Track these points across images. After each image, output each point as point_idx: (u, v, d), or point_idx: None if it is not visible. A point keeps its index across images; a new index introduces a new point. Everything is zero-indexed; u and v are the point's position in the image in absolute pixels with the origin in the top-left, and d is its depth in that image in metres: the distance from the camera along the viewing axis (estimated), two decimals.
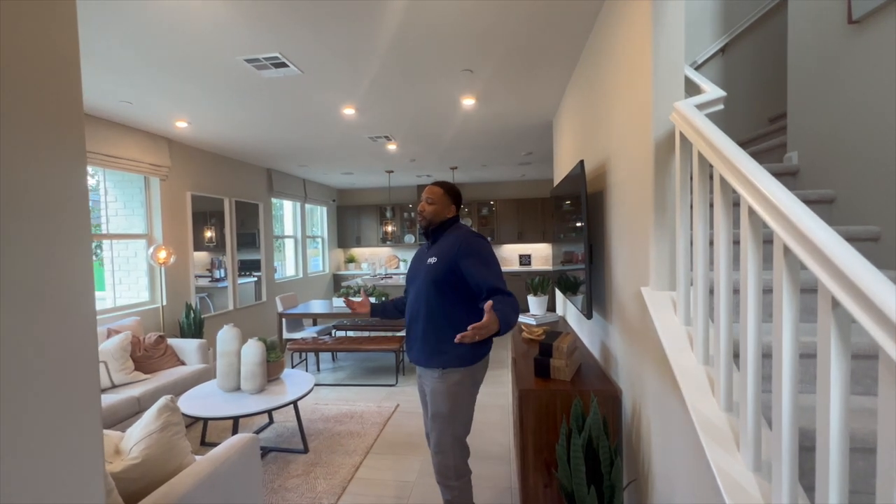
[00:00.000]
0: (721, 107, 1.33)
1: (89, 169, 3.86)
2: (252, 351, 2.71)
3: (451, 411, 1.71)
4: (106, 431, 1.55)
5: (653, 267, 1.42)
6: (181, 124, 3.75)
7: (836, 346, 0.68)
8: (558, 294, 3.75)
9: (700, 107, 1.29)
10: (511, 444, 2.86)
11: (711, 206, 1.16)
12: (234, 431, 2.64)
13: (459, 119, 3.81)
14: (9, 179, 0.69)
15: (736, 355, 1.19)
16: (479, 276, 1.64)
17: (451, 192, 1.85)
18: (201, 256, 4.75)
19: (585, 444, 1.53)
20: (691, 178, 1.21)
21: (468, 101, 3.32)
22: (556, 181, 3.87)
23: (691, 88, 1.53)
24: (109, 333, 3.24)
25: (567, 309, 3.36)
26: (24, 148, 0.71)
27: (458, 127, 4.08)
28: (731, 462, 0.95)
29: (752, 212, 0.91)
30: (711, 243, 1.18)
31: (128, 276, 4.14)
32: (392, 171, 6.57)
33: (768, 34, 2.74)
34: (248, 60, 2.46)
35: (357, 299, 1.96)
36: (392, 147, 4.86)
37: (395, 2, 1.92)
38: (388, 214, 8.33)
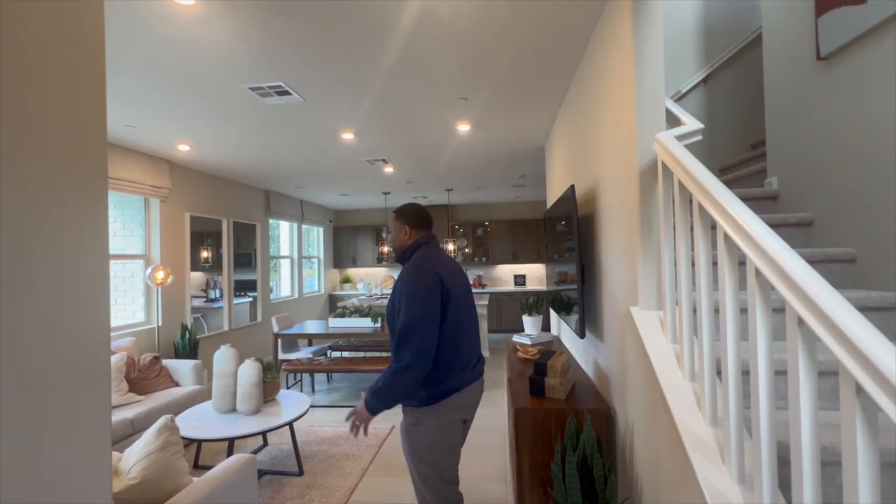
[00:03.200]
0: (700, 138, 1.42)
1: None
2: (248, 372, 2.72)
3: (410, 450, 1.58)
4: None
5: (641, 287, 1.49)
6: (183, 147, 3.83)
7: (804, 361, 0.74)
8: (553, 314, 3.80)
9: (680, 138, 1.38)
10: (507, 464, 2.85)
11: (693, 229, 1.24)
12: (230, 454, 2.62)
13: (455, 144, 3.93)
14: (37, 195, 0.75)
15: (719, 372, 1.24)
16: (400, 317, 1.50)
17: (403, 214, 1.70)
18: (197, 277, 4.77)
19: (580, 463, 1.55)
20: (673, 204, 1.29)
21: (463, 127, 3.44)
22: (549, 203, 3.97)
23: (673, 120, 1.63)
24: None
25: (561, 328, 3.40)
26: (52, 171, 0.77)
27: (454, 151, 4.20)
28: (717, 475, 0.99)
29: (727, 237, 0.98)
30: (694, 265, 1.25)
31: (124, 296, 4.14)
32: (389, 193, 6.68)
33: (747, 65, 2.91)
34: (253, 89, 2.56)
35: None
36: (389, 170, 4.97)
37: (393, 35, 2.03)
38: (385, 235, 8.40)
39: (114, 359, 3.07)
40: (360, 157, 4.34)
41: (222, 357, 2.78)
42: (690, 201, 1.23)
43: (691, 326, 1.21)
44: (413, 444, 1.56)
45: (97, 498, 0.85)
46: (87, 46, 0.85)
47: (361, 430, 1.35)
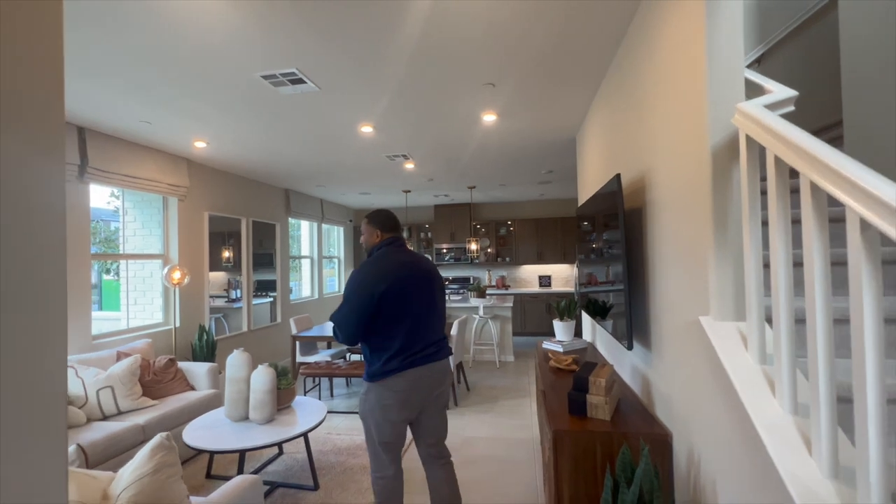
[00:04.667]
0: (791, 108, 1.16)
1: (112, 189, 3.87)
2: (261, 378, 2.57)
3: (361, 414, 1.89)
4: (96, 472, 1.40)
5: (713, 293, 1.23)
6: (200, 144, 3.74)
7: None
8: (584, 318, 3.53)
9: (768, 108, 1.12)
10: (539, 486, 2.60)
11: (794, 221, 0.98)
12: (240, 464, 2.48)
13: (479, 136, 3.71)
14: None
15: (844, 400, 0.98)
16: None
17: (372, 218, 1.98)
18: (218, 276, 4.70)
19: (636, 501, 1.31)
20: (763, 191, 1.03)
21: (489, 118, 3.22)
22: (582, 199, 3.69)
23: (750, 90, 1.36)
24: (119, 356, 3.15)
25: (596, 334, 3.13)
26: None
27: (478, 145, 3.98)
28: None
29: (865, 226, 0.72)
30: (802, 264, 0.99)
31: (143, 296, 4.09)
32: (409, 191, 6.51)
33: (812, 39, 2.57)
34: (265, 77, 2.40)
35: None
36: (410, 166, 4.78)
37: (415, 14, 1.82)
38: (405, 235, 8.24)
39: (128, 361, 2.97)
40: (380, 152, 4.16)
41: (235, 362, 2.64)
42: (794, 190, 0.96)
43: (792, 344, 0.96)
44: (361, 409, 1.89)
45: None
46: None
47: None
